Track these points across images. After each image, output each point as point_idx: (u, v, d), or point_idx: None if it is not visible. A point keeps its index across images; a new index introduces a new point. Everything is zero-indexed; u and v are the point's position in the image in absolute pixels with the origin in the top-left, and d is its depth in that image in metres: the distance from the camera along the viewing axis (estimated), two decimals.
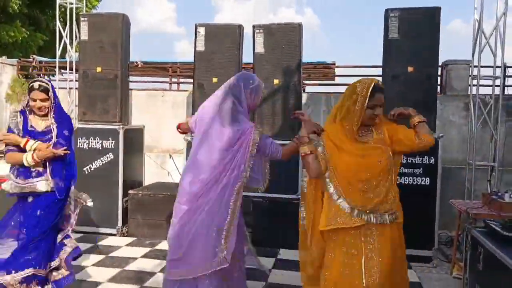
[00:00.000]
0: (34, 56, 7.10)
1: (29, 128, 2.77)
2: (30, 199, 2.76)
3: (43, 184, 2.74)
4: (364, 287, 2.07)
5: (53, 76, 7.22)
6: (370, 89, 2.12)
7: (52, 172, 2.76)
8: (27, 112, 2.81)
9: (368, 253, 2.10)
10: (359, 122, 2.14)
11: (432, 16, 4.30)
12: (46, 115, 2.81)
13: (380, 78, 4.65)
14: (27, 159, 2.68)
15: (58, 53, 6.04)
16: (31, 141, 2.71)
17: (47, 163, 2.75)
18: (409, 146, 2.23)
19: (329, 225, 2.16)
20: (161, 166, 5.92)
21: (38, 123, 2.80)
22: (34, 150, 2.69)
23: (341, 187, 2.15)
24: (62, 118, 2.88)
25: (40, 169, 2.75)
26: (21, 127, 2.76)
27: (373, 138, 2.21)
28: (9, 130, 2.76)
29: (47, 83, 2.78)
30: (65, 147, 2.78)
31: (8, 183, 2.77)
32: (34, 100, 2.74)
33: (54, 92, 2.81)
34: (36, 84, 2.75)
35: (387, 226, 2.13)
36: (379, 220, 2.12)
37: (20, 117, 2.79)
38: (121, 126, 4.89)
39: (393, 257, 2.13)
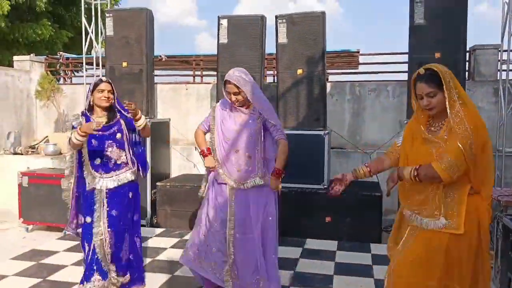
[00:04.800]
0: (61, 53, 7.24)
1: None
2: None
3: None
4: None
5: (79, 72, 7.39)
6: (413, 79, 2.01)
7: None
8: (88, 113, 2.97)
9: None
10: (418, 114, 2.04)
11: (459, 0, 4.21)
12: (108, 108, 2.98)
13: (406, 66, 4.60)
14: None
15: (85, 49, 6.17)
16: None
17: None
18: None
19: None
20: (187, 158, 6.00)
21: (100, 120, 2.92)
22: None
23: None
24: (122, 109, 3.07)
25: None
26: None
27: (439, 134, 1.96)
28: (74, 128, 2.86)
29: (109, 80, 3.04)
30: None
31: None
32: (102, 91, 2.92)
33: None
34: (103, 78, 3.10)
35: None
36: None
37: (82, 118, 2.94)
38: (148, 120, 4.97)
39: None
